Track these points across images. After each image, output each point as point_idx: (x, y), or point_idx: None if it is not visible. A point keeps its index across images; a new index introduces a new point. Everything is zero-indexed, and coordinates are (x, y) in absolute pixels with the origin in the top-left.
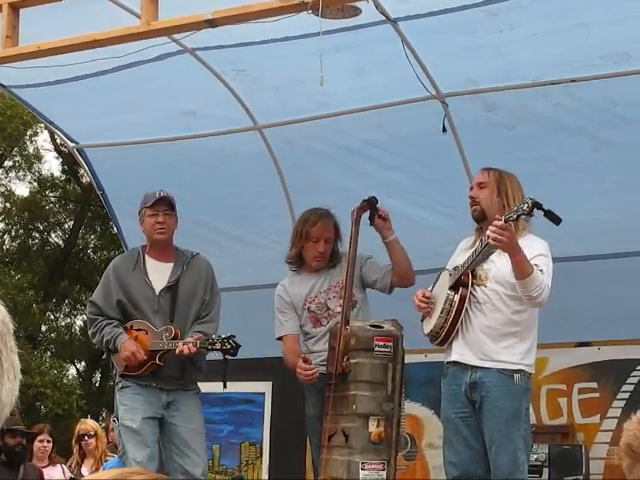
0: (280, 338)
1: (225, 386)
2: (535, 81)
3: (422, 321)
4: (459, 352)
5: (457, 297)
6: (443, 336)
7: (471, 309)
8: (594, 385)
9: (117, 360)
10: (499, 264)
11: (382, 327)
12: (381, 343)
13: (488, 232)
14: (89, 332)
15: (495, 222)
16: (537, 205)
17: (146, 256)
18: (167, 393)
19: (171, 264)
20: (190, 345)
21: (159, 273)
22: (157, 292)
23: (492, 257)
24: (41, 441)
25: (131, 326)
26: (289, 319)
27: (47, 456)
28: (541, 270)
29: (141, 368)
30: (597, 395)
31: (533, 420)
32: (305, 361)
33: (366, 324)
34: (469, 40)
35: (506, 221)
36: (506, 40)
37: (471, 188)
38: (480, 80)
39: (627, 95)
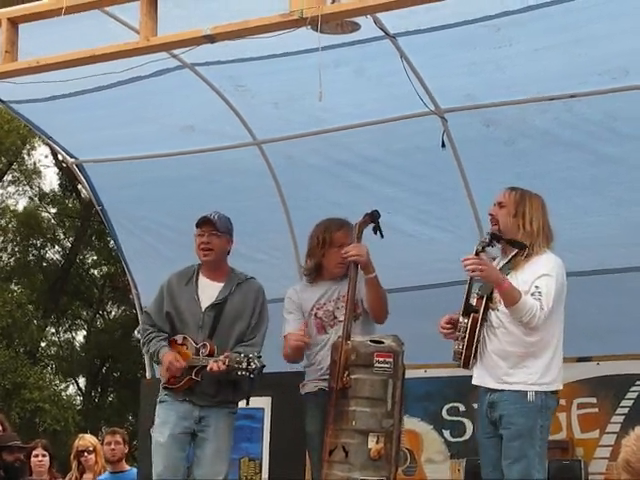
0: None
1: (247, 403)
2: (534, 96)
3: None
4: (478, 375)
5: (469, 323)
6: (463, 361)
7: (487, 333)
8: (593, 400)
9: (161, 372)
10: None
11: (382, 343)
12: (381, 359)
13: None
14: (141, 341)
15: (467, 257)
16: (495, 237)
17: (200, 274)
18: (200, 409)
19: (221, 284)
20: (220, 363)
21: (208, 291)
22: (203, 309)
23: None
24: (36, 456)
25: (176, 340)
26: (295, 319)
27: (46, 470)
28: (540, 292)
29: (180, 381)
30: (596, 410)
31: None
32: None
33: (367, 339)
34: (468, 56)
35: (477, 253)
36: (505, 56)
37: (494, 205)
38: (479, 95)
39: (626, 110)
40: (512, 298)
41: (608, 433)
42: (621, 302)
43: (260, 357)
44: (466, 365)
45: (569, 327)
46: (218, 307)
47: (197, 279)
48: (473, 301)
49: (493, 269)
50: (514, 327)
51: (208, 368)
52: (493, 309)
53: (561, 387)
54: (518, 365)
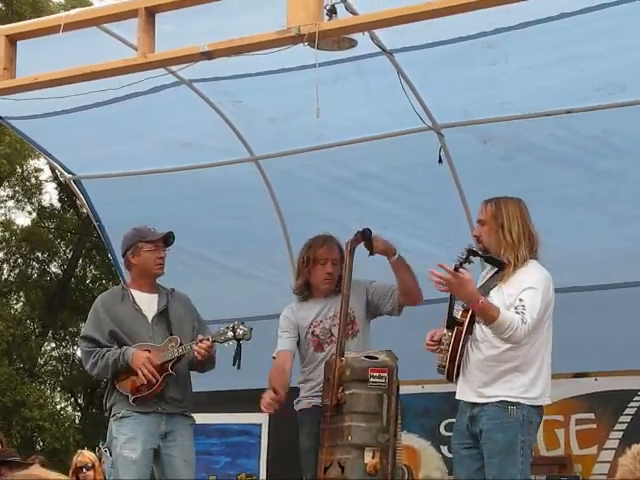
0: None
1: (239, 367)
2: (531, 112)
3: None
4: (460, 389)
5: (452, 336)
6: (447, 373)
7: (470, 347)
8: (591, 416)
9: (125, 385)
10: (496, 300)
11: (377, 358)
12: (376, 374)
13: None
14: (87, 366)
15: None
16: (472, 253)
17: (131, 289)
18: (167, 421)
19: (156, 294)
20: (204, 340)
21: (147, 303)
22: (149, 320)
23: (491, 292)
24: None
25: None
26: (288, 337)
27: None
28: (523, 305)
29: (153, 385)
30: (594, 426)
31: None
32: (275, 393)
33: (361, 355)
34: (465, 72)
35: (455, 269)
36: (502, 72)
37: (476, 225)
38: (476, 111)
39: (622, 126)
40: (489, 317)
41: (606, 449)
42: (617, 318)
43: (243, 322)
44: (450, 378)
45: (566, 343)
46: (164, 314)
47: (131, 293)
48: (458, 314)
49: (464, 285)
50: (498, 341)
51: (195, 351)
52: (478, 322)
53: (548, 402)
54: (501, 379)
